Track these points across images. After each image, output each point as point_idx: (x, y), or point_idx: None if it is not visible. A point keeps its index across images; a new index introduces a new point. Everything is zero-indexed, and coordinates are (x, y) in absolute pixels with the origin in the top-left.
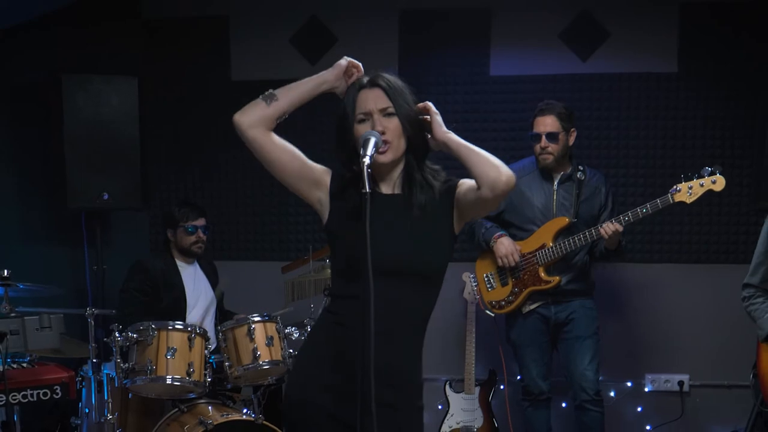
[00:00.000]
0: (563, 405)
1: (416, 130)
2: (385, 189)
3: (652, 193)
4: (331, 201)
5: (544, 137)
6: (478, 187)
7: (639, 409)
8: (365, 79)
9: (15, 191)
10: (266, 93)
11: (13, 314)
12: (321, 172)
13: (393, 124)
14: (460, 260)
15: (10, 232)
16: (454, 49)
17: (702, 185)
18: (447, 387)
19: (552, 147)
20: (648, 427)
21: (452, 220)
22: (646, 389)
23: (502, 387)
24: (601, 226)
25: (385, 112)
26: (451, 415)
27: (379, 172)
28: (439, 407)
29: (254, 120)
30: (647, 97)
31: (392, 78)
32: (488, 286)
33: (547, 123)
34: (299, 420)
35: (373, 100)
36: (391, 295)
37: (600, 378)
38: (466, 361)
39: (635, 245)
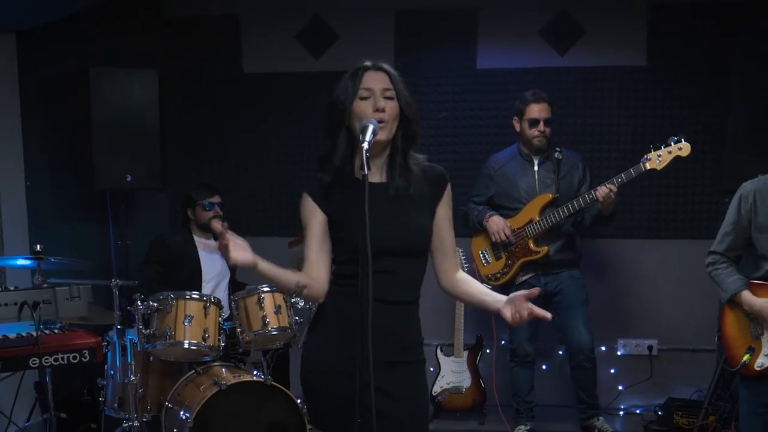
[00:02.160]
0: (543, 367)
1: (410, 117)
2: (376, 177)
3: (621, 173)
4: (327, 207)
5: (542, 122)
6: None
7: (612, 371)
8: (369, 63)
9: (47, 174)
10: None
11: (45, 285)
12: (313, 216)
13: (391, 106)
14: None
15: (42, 210)
16: (444, 45)
17: (670, 152)
18: (438, 351)
19: (547, 130)
20: (620, 388)
21: (435, 208)
22: (619, 353)
23: (488, 351)
24: (596, 190)
25: (386, 94)
26: (442, 377)
27: (371, 157)
28: (431, 369)
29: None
30: (619, 88)
31: (390, 68)
32: (483, 261)
33: (543, 109)
34: (318, 382)
35: (377, 80)
36: (388, 271)
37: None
38: (456, 328)
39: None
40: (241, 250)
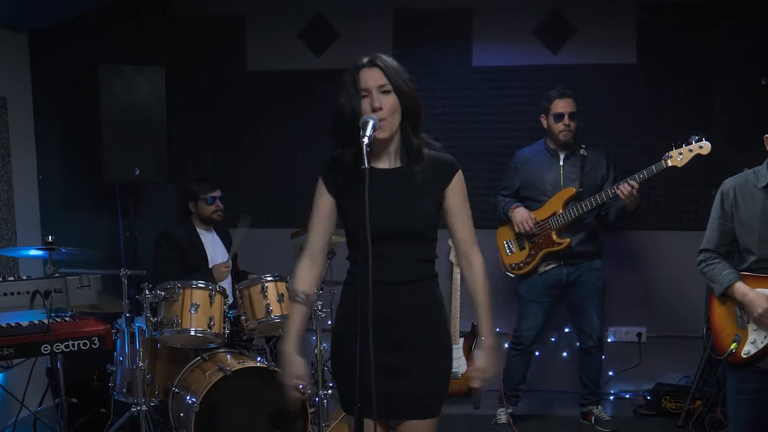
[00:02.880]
0: (536, 354)
1: (411, 103)
2: (385, 164)
3: (613, 168)
4: (336, 194)
5: (566, 116)
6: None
7: (602, 357)
8: (365, 60)
9: (59, 167)
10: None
11: (56, 275)
12: (325, 199)
13: (389, 101)
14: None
15: (54, 203)
16: (441, 43)
17: (691, 150)
18: None
19: (573, 125)
20: (610, 373)
21: (442, 195)
22: (609, 340)
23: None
24: (617, 187)
25: (382, 89)
26: None
27: (378, 148)
28: None
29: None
30: (609, 85)
31: (388, 58)
32: (508, 251)
33: (568, 104)
34: (340, 361)
35: (372, 78)
36: (400, 253)
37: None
38: (452, 315)
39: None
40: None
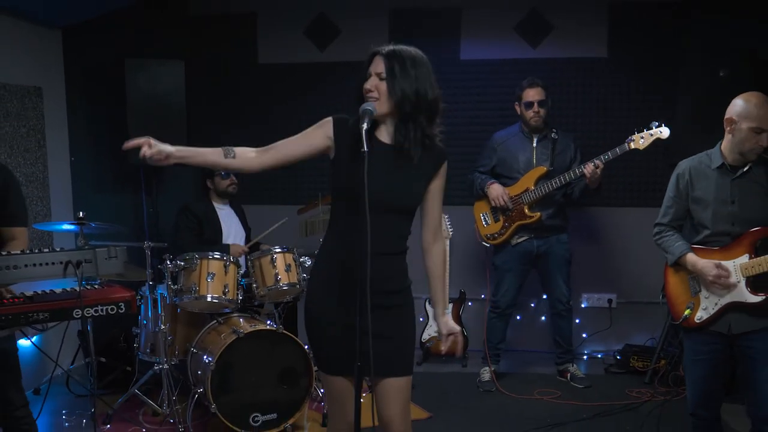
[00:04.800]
0: (518, 318)
1: (404, 97)
2: (383, 137)
3: (585, 151)
4: (337, 143)
5: (536, 104)
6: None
7: (577, 321)
8: (379, 48)
9: (89, 150)
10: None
11: (86, 247)
12: (321, 134)
13: (381, 87)
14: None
15: (84, 182)
16: (432, 39)
17: (651, 135)
18: (426, 303)
19: (542, 111)
20: (584, 335)
21: (430, 178)
22: (583, 305)
23: (470, 304)
24: (584, 166)
25: (380, 77)
26: (430, 326)
27: (380, 123)
28: (420, 319)
29: (244, 167)
30: (583, 76)
31: (402, 51)
32: (484, 222)
33: (537, 93)
34: (316, 327)
35: (376, 65)
36: (383, 225)
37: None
38: None
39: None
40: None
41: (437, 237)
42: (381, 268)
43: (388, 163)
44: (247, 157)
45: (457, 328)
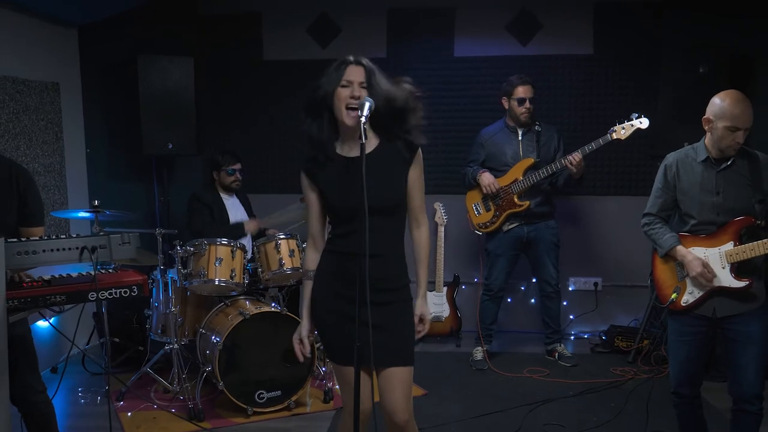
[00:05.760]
0: (509, 300)
1: (381, 103)
2: (344, 152)
3: (574, 143)
4: (318, 185)
5: (527, 100)
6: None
7: (565, 303)
8: (352, 58)
9: (103, 142)
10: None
11: (101, 233)
12: (309, 190)
13: (364, 94)
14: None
15: (99, 172)
16: (427, 37)
17: (632, 125)
18: None
19: (531, 107)
20: (571, 317)
21: (407, 171)
22: (570, 288)
23: (464, 287)
24: (565, 158)
25: (362, 85)
26: None
27: (346, 136)
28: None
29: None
30: (570, 72)
31: (370, 63)
32: (476, 212)
33: (528, 90)
34: (322, 318)
35: (356, 74)
36: (374, 227)
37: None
38: (437, 268)
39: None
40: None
41: (419, 224)
42: (377, 268)
43: (358, 172)
44: (315, 258)
45: (428, 315)
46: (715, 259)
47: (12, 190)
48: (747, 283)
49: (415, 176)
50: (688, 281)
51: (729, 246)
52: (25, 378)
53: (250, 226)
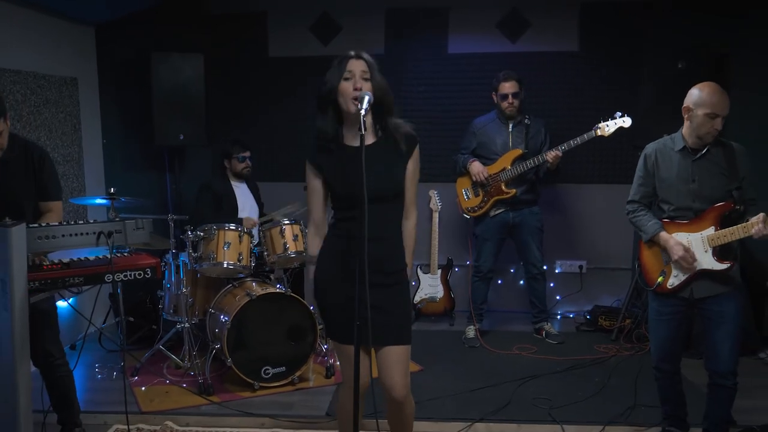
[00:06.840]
0: (499, 282)
1: (382, 95)
2: (349, 141)
3: (560, 136)
4: (323, 173)
5: (510, 95)
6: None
7: (551, 285)
8: (353, 52)
9: (119, 133)
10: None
11: (117, 219)
12: (313, 176)
13: (367, 86)
14: (428, 180)
15: (116, 162)
16: (423, 35)
17: (616, 123)
18: (418, 269)
19: (516, 102)
20: (558, 297)
21: (406, 162)
22: (556, 271)
23: (457, 269)
24: (546, 153)
25: (363, 77)
26: (421, 289)
27: (351, 124)
28: (413, 284)
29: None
30: (556, 68)
31: (369, 57)
32: (465, 197)
33: (511, 86)
34: (323, 298)
35: (358, 66)
36: (377, 213)
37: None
38: (431, 252)
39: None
40: None
41: (409, 215)
42: (376, 252)
43: (370, 159)
44: (317, 244)
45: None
46: (698, 243)
47: (29, 172)
48: (729, 264)
49: (411, 169)
50: (673, 265)
51: (710, 231)
52: (47, 347)
53: (248, 223)
